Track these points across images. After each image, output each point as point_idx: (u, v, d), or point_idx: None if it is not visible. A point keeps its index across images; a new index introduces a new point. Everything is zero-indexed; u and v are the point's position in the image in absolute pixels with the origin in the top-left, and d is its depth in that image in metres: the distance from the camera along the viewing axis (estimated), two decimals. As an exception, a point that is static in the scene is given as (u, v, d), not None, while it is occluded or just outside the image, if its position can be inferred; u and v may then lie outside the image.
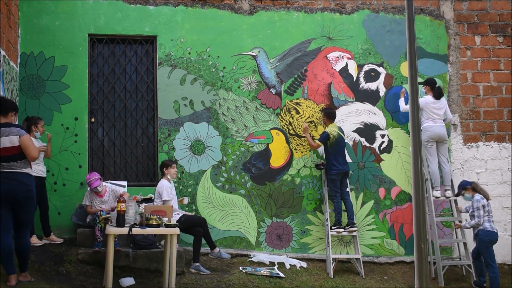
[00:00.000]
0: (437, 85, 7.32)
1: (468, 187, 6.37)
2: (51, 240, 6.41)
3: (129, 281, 5.78)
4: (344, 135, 7.12)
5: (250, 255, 6.95)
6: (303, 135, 7.33)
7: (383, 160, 7.49)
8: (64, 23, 7.01)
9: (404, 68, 7.60)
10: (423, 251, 3.95)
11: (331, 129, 6.99)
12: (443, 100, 7.25)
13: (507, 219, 7.51)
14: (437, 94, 7.17)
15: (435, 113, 7.07)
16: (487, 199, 6.25)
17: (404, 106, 7.25)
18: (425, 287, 3.91)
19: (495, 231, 6.18)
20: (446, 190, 7.12)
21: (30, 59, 6.91)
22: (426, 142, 7.07)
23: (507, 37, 7.85)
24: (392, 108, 7.59)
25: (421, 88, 7.32)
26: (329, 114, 7.15)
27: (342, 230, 6.82)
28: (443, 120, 7.18)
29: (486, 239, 6.11)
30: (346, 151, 7.17)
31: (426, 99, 7.12)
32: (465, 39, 7.80)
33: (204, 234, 6.40)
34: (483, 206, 6.17)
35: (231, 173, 7.20)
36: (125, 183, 6.85)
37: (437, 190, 7.04)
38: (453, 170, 7.48)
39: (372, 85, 7.61)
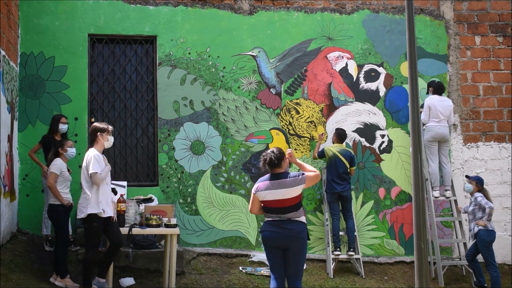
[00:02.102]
0: (437, 81, 7.32)
1: (473, 182, 6.33)
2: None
3: (129, 281, 5.78)
4: (344, 158, 6.83)
5: (250, 255, 6.95)
6: (304, 135, 7.34)
7: (383, 160, 7.48)
8: (64, 23, 7.01)
9: (404, 68, 7.60)
10: (423, 251, 3.95)
11: (330, 148, 6.97)
12: (450, 101, 7.24)
13: (507, 219, 7.51)
14: (437, 88, 7.15)
15: (441, 112, 7.05)
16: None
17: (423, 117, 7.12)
18: (425, 287, 3.91)
19: (494, 230, 6.19)
20: (446, 190, 7.11)
21: (30, 59, 6.91)
22: (428, 142, 7.06)
23: (507, 37, 7.85)
24: (392, 108, 7.59)
25: (429, 93, 7.29)
26: (338, 134, 7.07)
27: (339, 253, 6.74)
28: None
29: (487, 239, 6.10)
30: (344, 172, 6.84)
31: (432, 99, 7.10)
32: (465, 39, 7.80)
33: (108, 253, 5.19)
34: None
35: (231, 173, 7.20)
36: (125, 183, 6.84)
37: (435, 190, 7.03)
38: (453, 170, 7.47)
39: (372, 85, 7.61)
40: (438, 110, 7.04)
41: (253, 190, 4.58)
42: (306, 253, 4.54)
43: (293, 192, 4.40)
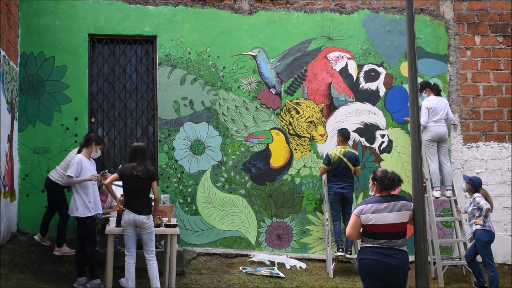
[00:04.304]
0: (433, 83, 7.33)
1: (468, 184, 6.33)
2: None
3: (129, 281, 5.77)
4: (347, 159, 6.80)
5: (250, 255, 6.95)
6: (304, 135, 7.35)
7: (383, 160, 7.48)
8: (64, 23, 7.01)
9: (404, 68, 7.60)
10: (423, 251, 3.95)
11: (334, 152, 6.89)
12: (445, 99, 7.25)
13: (507, 219, 7.51)
14: (436, 90, 7.18)
15: (439, 112, 7.05)
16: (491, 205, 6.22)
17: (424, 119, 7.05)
18: (425, 287, 3.91)
19: (493, 231, 6.16)
20: (446, 190, 7.11)
21: (30, 59, 6.91)
22: (427, 142, 7.05)
23: (507, 37, 7.85)
24: (392, 108, 7.59)
25: (422, 94, 7.27)
26: (342, 134, 6.99)
27: (340, 254, 6.69)
28: (445, 120, 7.16)
29: (484, 239, 6.10)
30: (348, 175, 6.85)
31: (429, 100, 7.10)
32: (465, 39, 7.81)
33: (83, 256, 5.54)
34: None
35: (231, 173, 7.20)
36: (125, 183, 6.84)
37: (437, 191, 7.03)
38: (453, 170, 7.47)
39: (372, 85, 7.61)
40: (436, 110, 7.04)
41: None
42: None
43: None
